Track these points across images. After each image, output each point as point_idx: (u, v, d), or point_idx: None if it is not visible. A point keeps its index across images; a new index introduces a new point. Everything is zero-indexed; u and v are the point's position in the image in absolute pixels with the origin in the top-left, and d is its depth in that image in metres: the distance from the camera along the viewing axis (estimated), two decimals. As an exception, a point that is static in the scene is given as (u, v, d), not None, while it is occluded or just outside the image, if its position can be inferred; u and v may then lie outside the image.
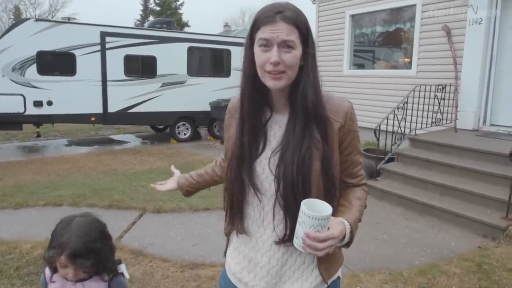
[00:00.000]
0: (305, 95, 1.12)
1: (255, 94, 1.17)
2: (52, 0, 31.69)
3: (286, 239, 1.15)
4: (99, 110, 9.39)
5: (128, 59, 9.55)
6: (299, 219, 1.02)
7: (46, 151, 9.39)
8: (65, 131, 12.28)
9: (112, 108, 9.51)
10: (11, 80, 8.35)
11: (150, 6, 38.62)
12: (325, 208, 1.03)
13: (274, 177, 1.14)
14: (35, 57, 8.48)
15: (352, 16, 8.59)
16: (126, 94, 9.59)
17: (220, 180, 1.56)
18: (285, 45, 1.07)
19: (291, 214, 1.11)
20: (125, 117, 9.78)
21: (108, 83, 9.39)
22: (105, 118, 9.54)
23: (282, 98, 1.19)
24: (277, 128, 1.20)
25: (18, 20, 10.02)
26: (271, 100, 1.21)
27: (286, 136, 1.15)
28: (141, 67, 9.83)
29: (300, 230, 1.02)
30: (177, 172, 1.71)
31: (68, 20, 9.80)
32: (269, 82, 1.11)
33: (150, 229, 4.31)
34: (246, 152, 1.18)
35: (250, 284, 1.26)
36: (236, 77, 10.89)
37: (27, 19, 9.33)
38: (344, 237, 1.07)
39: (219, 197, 1.31)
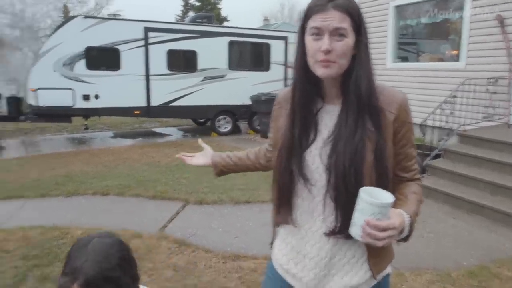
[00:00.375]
0: (358, 85, 1.10)
1: (307, 85, 1.17)
2: (98, -3, 32.81)
3: (337, 231, 1.13)
4: (143, 103, 9.67)
5: (170, 54, 9.75)
6: (357, 206, 1.00)
7: (93, 143, 9.81)
8: (111, 123, 12.76)
9: (155, 102, 9.77)
10: (62, 75, 8.76)
11: (190, 1, 39.19)
12: (386, 196, 1.00)
13: (325, 168, 1.13)
14: (83, 52, 8.86)
15: (396, 7, 8.30)
16: (168, 88, 9.82)
17: (261, 168, 1.57)
18: (337, 33, 1.06)
19: (342, 206, 1.10)
20: (167, 111, 10.01)
21: (151, 77, 9.65)
22: (148, 111, 9.82)
23: (334, 88, 1.17)
24: (328, 118, 1.18)
25: (68, 17, 10.45)
26: (323, 90, 1.19)
27: (338, 126, 1.13)
28: (183, 62, 10.02)
29: (358, 217, 0.99)
30: (207, 148, 1.66)
31: (113, 17, 10.13)
32: (319, 70, 1.10)
33: (192, 220, 4.40)
34: (297, 143, 1.17)
35: (298, 276, 1.24)
36: (275, 71, 10.94)
37: (76, 16, 9.75)
38: (403, 229, 1.04)
39: (260, 190, 1.32)
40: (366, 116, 1.10)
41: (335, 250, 1.18)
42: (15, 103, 9.33)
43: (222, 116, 10.69)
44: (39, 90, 8.65)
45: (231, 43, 10.48)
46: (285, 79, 11.20)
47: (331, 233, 1.15)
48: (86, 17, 9.66)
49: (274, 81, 10.97)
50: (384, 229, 0.97)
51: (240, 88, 10.46)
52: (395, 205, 1.11)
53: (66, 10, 29.77)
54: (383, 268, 1.22)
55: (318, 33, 1.07)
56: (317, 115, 1.20)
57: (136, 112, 9.71)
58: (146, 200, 4.98)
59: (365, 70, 1.11)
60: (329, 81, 1.15)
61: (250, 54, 11.11)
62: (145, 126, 12.68)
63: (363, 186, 1.06)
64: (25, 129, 10.21)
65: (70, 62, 8.80)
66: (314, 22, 1.07)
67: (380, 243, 0.97)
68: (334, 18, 1.05)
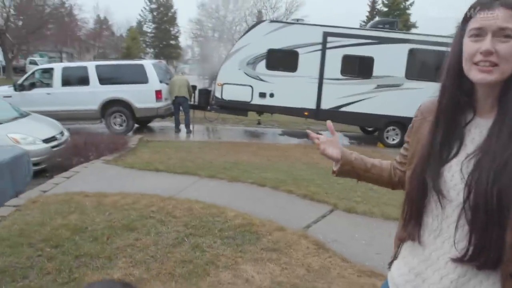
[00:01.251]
0: None
1: (458, 92, 1.05)
2: (288, 4, 35.19)
3: (467, 259, 0.98)
4: (313, 105, 9.96)
5: (346, 59, 9.75)
6: None
7: (263, 137, 10.62)
8: (282, 121, 13.54)
9: (324, 105, 9.94)
10: (245, 73, 9.75)
11: (377, 7, 38.30)
12: None
13: (464, 185, 0.99)
14: (265, 53, 9.65)
15: None
16: (339, 93, 9.85)
17: (390, 183, 1.41)
18: (502, 34, 0.94)
19: (478, 230, 0.96)
20: (335, 115, 10.06)
21: (324, 80, 9.85)
22: (317, 113, 10.05)
23: (490, 99, 1.02)
24: (477, 133, 1.04)
25: (256, 21, 11.53)
26: (476, 100, 1.05)
27: (488, 140, 0.99)
28: (357, 67, 9.90)
29: None
30: (336, 136, 1.43)
31: (296, 21, 10.69)
32: (476, 75, 0.98)
33: (337, 226, 4.33)
34: (435, 155, 1.07)
35: None
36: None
37: (263, 20, 10.66)
38: None
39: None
40: None
41: (462, 282, 1.02)
42: (206, 95, 10.79)
43: (391, 127, 10.16)
44: (224, 85, 9.83)
45: (411, 51, 9.82)
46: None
47: (459, 260, 1.00)
48: (272, 21, 10.47)
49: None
50: None
51: (416, 99, 9.49)
52: None
53: (260, 15, 33.01)
54: None
55: (479, 34, 0.97)
56: (465, 128, 1.07)
57: (306, 113, 10.07)
58: (297, 198, 5.12)
59: None
60: (485, 90, 1.02)
61: (431, 63, 10.19)
62: (313, 128, 13.00)
63: (506, 212, 0.91)
64: (210, 117, 11.72)
65: (253, 62, 9.70)
66: (475, 22, 0.98)
67: None
68: (499, 16, 0.94)
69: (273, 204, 4.84)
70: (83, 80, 9.78)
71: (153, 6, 56.41)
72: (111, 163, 6.49)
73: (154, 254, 3.32)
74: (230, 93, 9.86)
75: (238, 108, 10.28)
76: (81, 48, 42.92)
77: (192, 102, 10.87)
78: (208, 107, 10.70)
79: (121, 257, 3.24)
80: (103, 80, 9.82)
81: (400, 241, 1.23)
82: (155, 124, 11.90)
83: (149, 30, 55.95)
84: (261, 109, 10.38)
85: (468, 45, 0.99)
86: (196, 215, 4.18)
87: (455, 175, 1.03)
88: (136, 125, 10.59)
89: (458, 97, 1.05)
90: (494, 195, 0.93)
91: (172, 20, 56.74)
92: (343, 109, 9.93)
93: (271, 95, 9.82)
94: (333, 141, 1.41)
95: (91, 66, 9.91)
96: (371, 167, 1.40)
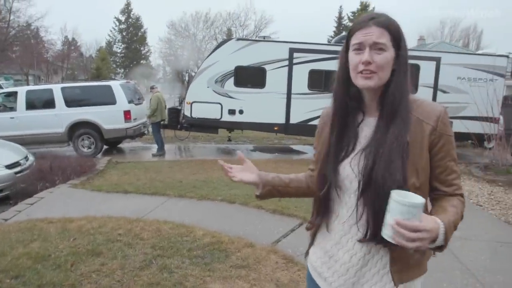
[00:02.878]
0: (393, 96, 1.16)
1: (347, 97, 1.24)
2: (257, 21, 35.79)
3: (369, 238, 1.16)
4: (282, 120, 10.10)
5: (312, 74, 9.97)
6: (388, 207, 1.02)
7: (234, 154, 10.62)
8: (253, 137, 13.63)
9: (293, 120, 10.10)
10: (213, 90, 9.83)
11: (344, 22, 39.46)
12: (417, 197, 1.01)
13: (356, 175, 1.19)
14: (233, 71, 9.76)
15: None
16: (307, 107, 10.03)
17: (307, 192, 1.49)
18: (377, 47, 1.14)
19: (374, 212, 1.13)
20: (304, 129, 10.22)
21: (292, 95, 10.03)
22: (287, 128, 10.20)
23: (374, 102, 1.23)
24: (367, 130, 1.23)
25: (223, 40, 11.69)
26: (364, 104, 1.26)
27: (373, 136, 1.19)
28: (324, 82, 10.13)
29: (388, 218, 1.01)
30: (249, 163, 1.48)
31: (263, 39, 10.90)
32: (360, 81, 1.17)
33: (306, 239, 4.36)
34: (333, 152, 1.24)
35: (329, 280, 1.30)
36: (423, 94, 10.16)
37: (230, 39, 10.81)
38: (436, 238, 1.03)
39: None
40: (401, 125, 1.14)
41: (367, 259, 1.21)
42: (175, 114, 10.78)
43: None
44: (193, 103, 9.86)
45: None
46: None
47: (363, 239, 1.18)
48: (238, 39, 10.62)
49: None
50: (413, 230, 0.97)
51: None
52: (431, 215, 1.12)
53: (229, 33, 33.38)
54: (408, 278, 1.21)
55: (360, 47, 1.16)
56: (358, 128, 1.26)
57: (275, 128, 10.20)
58: (266, 213, 5.16)
59: (402, 83, 1.17)
60: (369, 94, 1.22)
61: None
62: (284, 143, 13.15)
63: (388, 191, 1.07)
64: (181, 136, 11.68)
65: (222, 80, 9.80)
66: (356, 38, 1.17)
67: (410, 245, 0.98)
68: (374, 33, 1.14)
69: (243, 221, 4.86)
70: (49, 103, 9.61)
71: (123, 26, 56.19)
72: (78, 186, 6.36)
73: (121, 278, 3.26)
74: (200, 111, 9.90)
75: (208, 126, 10.33)
76: (48, 70, 41.99)
77: (162, 121, 10.85)
78: (178, 126, 10.67)
79: (86, 283, 3.17)
80: (69, 102, 9.67)
81: (314, 231, 1.39)
82: (125, 145, 11.74)
83: (119, 50, 55.57)
84: (231, 126, 10.45)
85: (353, 58, 1.18)
86: (165, 236, 4.14)
87: (350, 168, 1.21)
88: (105, 147, 10.43)
89: (347, 102, 1.25)
90: (375, 178, 1.12)
91: (142, 40, 56.55)
92: (312, 122, 10.08)
93: (241, 112, 9.91)
94: (247, 167, 1.48)
95: (56, 89, 9.75)
96: (289, 181, 1.49)
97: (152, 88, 10.50)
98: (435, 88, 10.35)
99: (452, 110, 10.26)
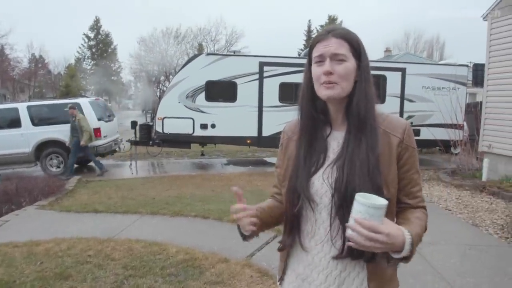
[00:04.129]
0: (359, 107, 1.16)
1: (313, 112, 1.24)
2: (228, 36, 36.07)
3: (345, 254, 1.12)
4: (254, 133, 10.14)
5: (283, 87, 10.09)
6: (351, 209, 1.02)
7: (208, 168, 10.57)
8: (227, 151, 13.59)
9: (266, 132, 10.16)
10: (185, 106, 9.79)
11: (313, 36, 40.20)
12: (378, 199, 1.01)
13: (329, 190, 1.16)
14: (204, 86, 9.77)
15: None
16: (279, 119, 10.05)
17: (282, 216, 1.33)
18: (337, 58, 1.15)
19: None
20: (276, 141, 10.16)
21: (263, 108, 10.10)
22: (259, 141, 10.24)
23: (340, 114, 1.23)
24: (335, 144, 1.22)
25: (193, 55, 11.71)
26: (330, 117, 1.25)
27: (342, 150, 1.18)
28: (294, 94, 10.25)
29: (350, 219, 1.01)
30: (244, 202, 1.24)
31: (233, 53, 10.98)
32: (323, 92, 1.17)
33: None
34: (302, 167, 1.21)
35: None
36: (390, 103, 10.44)
37: (200, 54, 10.84)
38: (402, 248, 1.02)
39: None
40: (368, 137, 1.15)
41: (343, 277, 1.17)
42: (146, 130, 10.65)
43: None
44: (165, 119, 9.78)
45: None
46: (401, 112, 10.60)
47: (339, 256, 1.14)
48: (208, 54, 10.67)
49: (390, 113, 10.45)
50: (371, 230, 0.96)
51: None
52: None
53: (200, 48, 33.47)
54: None
55: (321, 59, 1.17)
56: (326, 141, 1.24)
57: (248, 141, 10.23)
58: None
59: (366, 93, 1.17)
60: (335, 106, 1.22)
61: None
62: (258, 155, 13.17)
63: None
64: (153, 152, 11.53)
65: (193, 94, 9.78)
66: (317, 50, 1.18)
67: (366, 243, 0.97)
68: (333, 45, 1.16)
69: (217, 236, 4.81)
70: (14, 122, 9.32)
71: (92, 42, 55.42)
72: (46, 208, 6.15)
73: (90, 301, 3.16)
74: (171, 127, 9.82)
75: (181, 141, 10.25)
76: (14, 89, 40.79)
77: (133, 138, 10.69)
78: (150, 142, 10.53)
79: (54, 308, 3.05)
80: (36, 121, 9.40)
81: (285, 254, 1.30)
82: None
83: (88, 67, 54.66)
84: (203, 141, 10.40)
85: (315, 70, 1.19)
86: (137, 255, 4.05)
87: (322, 183, 1.18)
88: (75, 165, 10.17)
89: (313, 115, 1.24)
90: (348, 192, 1.09)
91: (113, 56, 55.92)
92: (284, 134, 10.19)
93: (213, 126, 9.90)
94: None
95: (22, 107, 9.48)
96: (270, 211, 1.33)
97: (72, 108, 9.00)
98: (402, 97, 10.67)
99: (419, 118, 10.60)
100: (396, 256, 1.04)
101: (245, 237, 1.33)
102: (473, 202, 6.45)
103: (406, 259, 1.06)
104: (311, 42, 1.23)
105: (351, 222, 1.00)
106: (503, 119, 7.80)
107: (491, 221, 5.42)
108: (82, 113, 9.21)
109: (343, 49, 1.16)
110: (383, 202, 1.00)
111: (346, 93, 1.17)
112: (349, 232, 1.00)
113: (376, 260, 1.10)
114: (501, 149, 7.83)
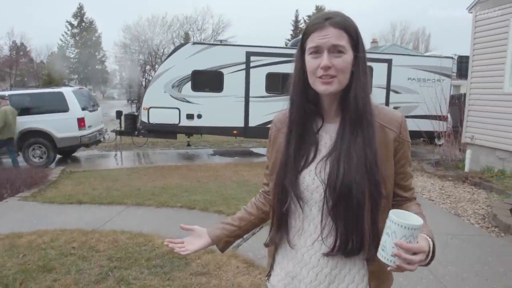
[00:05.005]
0: (356, 100, 1.10)
1: (305, 103, 1.16)
2: (215, 25, 35.69)
3: (336, 250, 1.10)
4: (241, 124, 10.10)
5: (270, 77, 10.05)
6: (386, 230, 0.96)
7: (194, 159, 10.52)
8: (213, 141, 13.54)
9: (252, 123, 10.13)
10: (171, 95, 9.68)
11: (300, 26, 40.16)
12: (415, 218, 0.97)
13: (321, 185, 1.11)
14: (190, 75, 9.67)
15: (519, 24, 7.39)
16: (265, 110, 10.07)
17: (266, 216, 1.41)
18: (335, 50, 1.07)
19: (341, 223, 1.08)
20: (263, 132, 10.24)
21: (250, 99, 10.05)
22: (245, 131, 10.21)
23: (333, 106, 1.16)
24: (327, 137, 1.17)
25: (179, 44, 11.54)
26: (322, 109, 1.19)
27: (336, 141, 1.13)
28: (281, 84, 10.23)
29: (388, 241, 0.95)
30: (196, 228, 1.41)
31: (220, 43, 10.87)
32: (320, 87, 1.10)
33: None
34: (292, 161, 1.15)
35: None
36: (377, 94, 10.44)
37: (186, 43, 10.70)
38: (429, 254, 1.00)
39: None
40: (365, 131, 1.09)
41: (334, 274, 1.14)
42: (132, 120, 10.52)
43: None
44: (150, 109, 9.66)
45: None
46: (387, 103, 10.68)
47: (330, 253, 1.11)
48: (195, 43, 10.56)
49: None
50: (416, 252, 0.94)
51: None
52: None
53: (187, 37, 33.04)
54: None
55: (317, 51, 1.08)
56: (317, 134, 1.18)
57: (234, 132, 10.18)
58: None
59: (363, 86, 1.11)
60: (329, 98, 1.15)
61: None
62: (244, 146, 13.16)
63: (360, 201, 1.04)
64: (139, 143, 11.42)
65: (179, 84, 9.67)
66: (313, 41, 1.09)
67: (413, 268, 0.94)
68: (331, 35, 1.07)
69: (203, 227, 4.75)
70: (-5, 112, 9.06)
71: (75, 30, 54.26)
72: (28, 199, 6.04)
73: (75, 293, 3.13)
74: (157, 117, 9.72)
75: (166, 131, 10.16)
76: (-5, 77, 39.81)
77: (118, 128, 10.55)
78: (136, 132, 10.42)
79: (37, 301, 3.01)
80: (18, 111, 9.18)
81: (273, 249, 1.28)
82: (80, 153, 11.30)
83: (72, 56, 53.58)
84: (189, 131, 10.33)
85: (310, 62, 1.10)
86: (122, 247, 4.02)
87: (314, 178, 1.13)
88: (58, 156, 10.01)
89: (305, 107, 1.17)
90: (344, 187, 1.05)
91: (97, 44, 54.88)
92: (270, 125, 10.16)
93: (199, 116, 9.83)
94: (196, 234, 1.39)
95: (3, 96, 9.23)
96: (239, 222, 1.41)
97: (2, 98, 8.57)
98: (388, 88, 10.74)
99: (404, 110, 10.69)
100: (423, 264, 0.99)
101: (221, 250, 1.41)
102: (455, 193, 6.57)
103: (428, 263, 1.02)
104: (304, 29, 1.13)
105: (389, 244, 0.94)
106: (486, 111, 7.93)
107: (472, 211, 5.53)
108: (66, 104, 9.08)
109: (342, 40, 1.07)
110: (421, 222, 0.95)
111: (343, 86, 1.10)
112: (387, 256, 0.95)
113: (375, 257, 1.06)
114: (483, 141, 7.97)
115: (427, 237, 1.01)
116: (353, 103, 1.10)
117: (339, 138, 1.12)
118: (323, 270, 1.14)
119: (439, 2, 63.09)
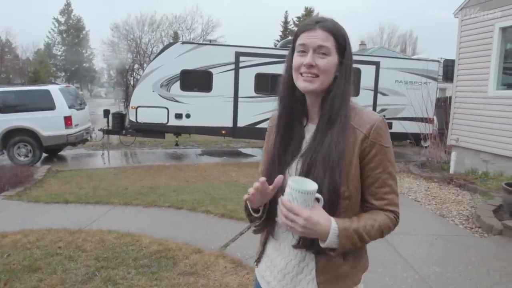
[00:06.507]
0: (332, 103, 1.15)
1: (292, 102, 1.24)
2: (204, 25, 35.54)
3: (301, 244, 1.16)
4: (229, 124, 10.10)
5: (259, 77, 10.06)
6: (288, 196, 1.05)
7: (182, 159, 10.48)
8: (201, 141, 13.50)
9: (241, 123, 10.13)
10: (159, 95, 9.63)
11: (289, 27, 40.30)
12: (307, 185, 1.05)
13: None
14: (179, 75, 9.63)
15: (503, 29, 7.53)
16: (254, 110, 10.10)
17: None
18: (320, 51, 1.14)
19: None
20: (252, 132, 10.29)
21: (239, 99, 10.06)
22: (234, 131, 10.21)
23: (315, 107, 1.23)
24: (308, 136, 1.23)
25: (168, 43, 11.49)
26: (308, 109, 1.25)
27: (310, 143, 1.19)
28: (270, 85, 10.25)
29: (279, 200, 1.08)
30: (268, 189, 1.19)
31: (209, 42, 10.85)
32: (301, 83, 1.16)
33: (254, 241, 4.36)
34: (277, 156, 1.23)
35: (271, 284, 1.29)
36: (364, 96, 10.60)
37: (175, 42, 10.66)
38: (324, 236, 1.05)
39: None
40: (339, 132, 1.14)
41: (302, 266, 1.21)
42: (119, 119, 10.43)
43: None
44: (138, 108, 9.60)
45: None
46: (375, 104, 10.80)
47: (296, 246, 1.18)
48: (184, 43, 10.53)
49: (364, 106, 10.63)
50: (291, 211, 1.01)
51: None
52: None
53: (176, 36, 32.85)
54: None
55: (304, 49, 1.16)
56: (303, 132, 1.25)
57: (223, 132, 10.17)
58: (214, 218, 5.13)
59: (342, 91, 1.16)
60: (312, 99, 1.22)
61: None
62: (233, 146, 13.16)
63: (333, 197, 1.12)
64: (127, 142, 11.33)
65: (167, 84, 9.63)
66: (301, 40, 1.16)
67: (288, 223, 1.03)
68: (318, 37, 1.14)
69: (191, 226, 4.79)
70: (-21, 110, 8.91)
71: (63, 27, 53.60)
72: (13, 198, 5.95)
73: (61, 293, 3.10)
74: (145, 116, 9.66)
75: (155, 131, 10.09)
76: (-21, 74, 39.03)
77: (106, 127, 10.45)
78: (123, 131, 10.34)
79: (21, 301, 2.98)
80: (2, 108, 9.04)
81: (263, 239, 1.35)
82: (67, 152, 11.17)
83: (59, 53, 52.91)
84: (178, 130, 10.29)
85: (296, 59, 1.18)
86: (109, 246, 3.99)
87: (292, 174, 1.19)
88: (45, 155, 9.87)
89: (292, 105, 1.24)
90: None
91: (85, 42, 54.28)
92: (259, 125, 10.17)
93: (188, 116, 9.80)
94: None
95: (-13, 94, 9.08)
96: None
97: None
98: (376, 90, 10.85)
99: (391, 112, 10.82)
100: (321, 244, 1.07)
101: (255, 229, 1.34)
102: (441, 194, 6.67)
103: (333, 250, 1.08)
104: (296, 30, 1.21)
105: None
106: (471, 114, 8.07)
107: (457, 212, 5.63)
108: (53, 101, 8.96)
109: (328, 42, 1.14)
110: (309, 188, 1.03)
111: (324, 87, 1.16)
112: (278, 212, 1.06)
113: (325, 253, 1.12)
114: (468, 143, 8.11)
115: (333, 221, 1.05)
116: (329, 104, 1.16)
117: (313, 139, 1.18)
118: (292, 260, 1.22)
119: (428, 5, 63.88)
